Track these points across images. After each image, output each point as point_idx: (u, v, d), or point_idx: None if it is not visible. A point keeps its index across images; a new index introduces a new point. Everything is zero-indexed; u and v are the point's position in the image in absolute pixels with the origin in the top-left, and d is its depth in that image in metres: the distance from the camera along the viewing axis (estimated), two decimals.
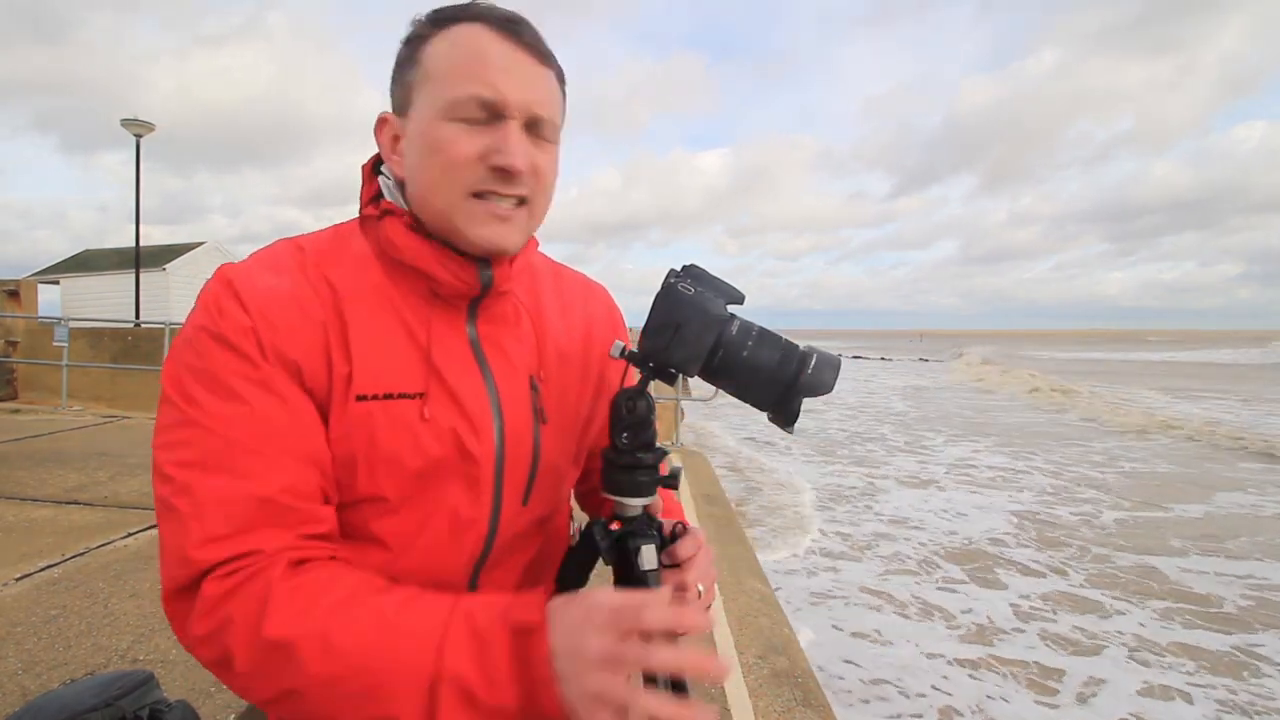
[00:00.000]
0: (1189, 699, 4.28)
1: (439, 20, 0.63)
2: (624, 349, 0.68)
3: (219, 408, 0.57)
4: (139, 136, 12.70)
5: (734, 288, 0.65)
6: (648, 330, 0.63)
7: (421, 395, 0.64)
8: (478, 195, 0.62)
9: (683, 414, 8.84)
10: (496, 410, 0.68)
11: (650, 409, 0.68)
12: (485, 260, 0.66)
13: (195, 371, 0.58)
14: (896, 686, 4.31)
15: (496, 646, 0.52)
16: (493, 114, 0.61)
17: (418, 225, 0.65)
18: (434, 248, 0.64)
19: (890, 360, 52.01)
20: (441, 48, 0.62)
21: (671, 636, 0.52)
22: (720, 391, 0.65)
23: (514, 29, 0.62)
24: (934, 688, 4.31)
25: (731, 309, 0.65)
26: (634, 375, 0.69)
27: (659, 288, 0.64)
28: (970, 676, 4.49)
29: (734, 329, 0.63)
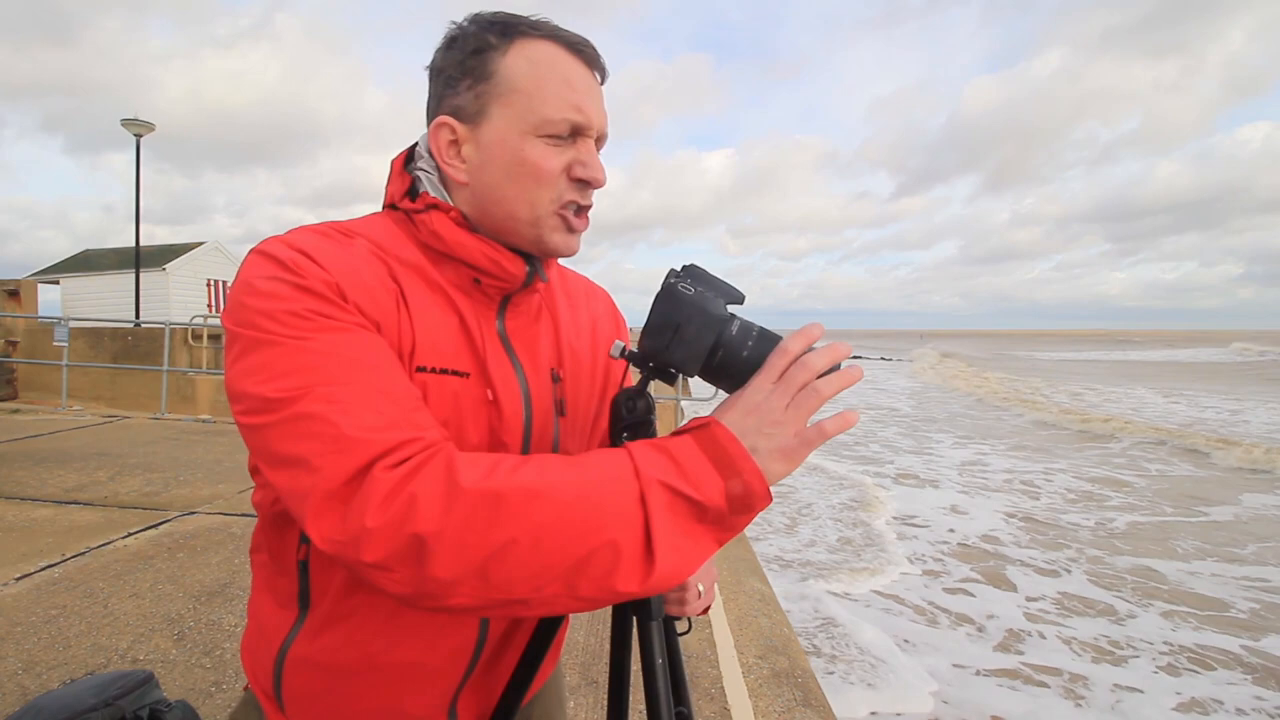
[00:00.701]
0: (1240, 711, 4.16)
1: (507, 32, 0.65)
2: (624, 349, 0.69)
3: (323, 336, 0.55)
4: (139, 136, 12.70)
5: (734, 288, 0.65)
6: (648, 330, 0.63)
7: (468, 376, 0.66)
8: (566, 207, 0.67)
9: (682, 414, 8.84)
10: (526, 402, 0.70)
11: (650, 409, 0.68)
12: (532, 255, 0.70)
13: (278, 313, 0.55)
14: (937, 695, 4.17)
15: (683, 446, 0.55)
16: (575, 133, 0.66)
17: (464, 221, 0.68)
18: (484, 243, 0.67)
19: (890, 360, 52.10)
20: (521, 65, 0.64)
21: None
22: (720, 392, 0.65)
23: (587, 53, 0.67)
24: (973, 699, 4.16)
25: (731, 309, 0.65)
26: (634, 375, 0.70)
27: (659, 288, 0.64)
28: (1004, 686, 4.34)
29: (734, 329, 0.63)
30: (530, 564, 0.50)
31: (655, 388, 0.69)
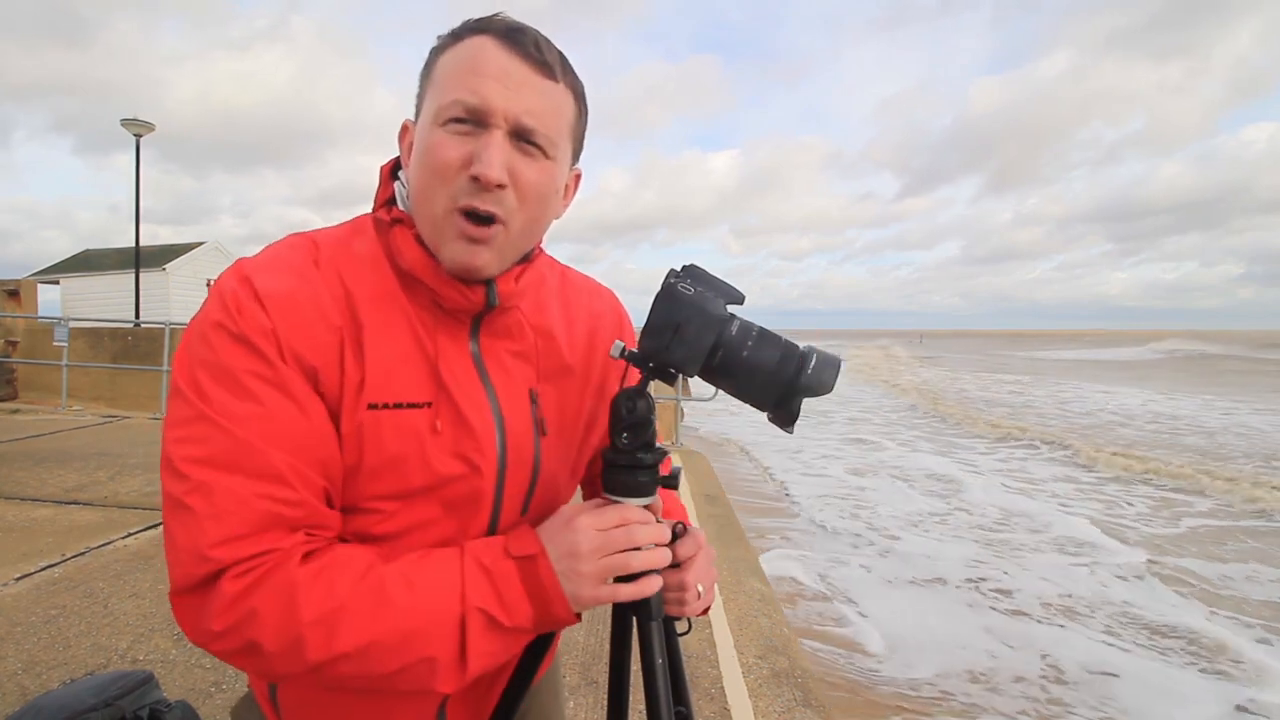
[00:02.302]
0: None
1: (458, 33, 0.64)
2: (624, 349, 0.68)
3: (234, 406, 0.56)
4: (139, 136, 12.70)
5: (734, 288, 0.65)
6: (648, 330, 0.63)
7: (430, 405, 0.64)
8: (461, 211, 0.61)
9: (682, 414, 8.84)
10: (499, 424, 0.68)
11: (650, 409, 0.68)
12: (489, 280, 0.65)
13: (210, 366, 0.57)
14: None
15: (507, 578, 0.62)
16: (478, 122, 0.60)
17: (421, 238, 0.65)
18: (437, 269, 0.64)
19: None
20: (448, 58, 0.63)
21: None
22: (720, 392, 0.65)
23: (515, 38, 0.62)
24: None
25: (731, 309, 0.65)
26: (634, 375, 0.70)
27: (659, 288, 0.64)
28: None
29: (734, 329, 0.63)
30: (358, 671, 0.57)
31: (655, 388, 0.69)
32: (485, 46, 0.62)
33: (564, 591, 0.62)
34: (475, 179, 0.59)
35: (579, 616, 0.64)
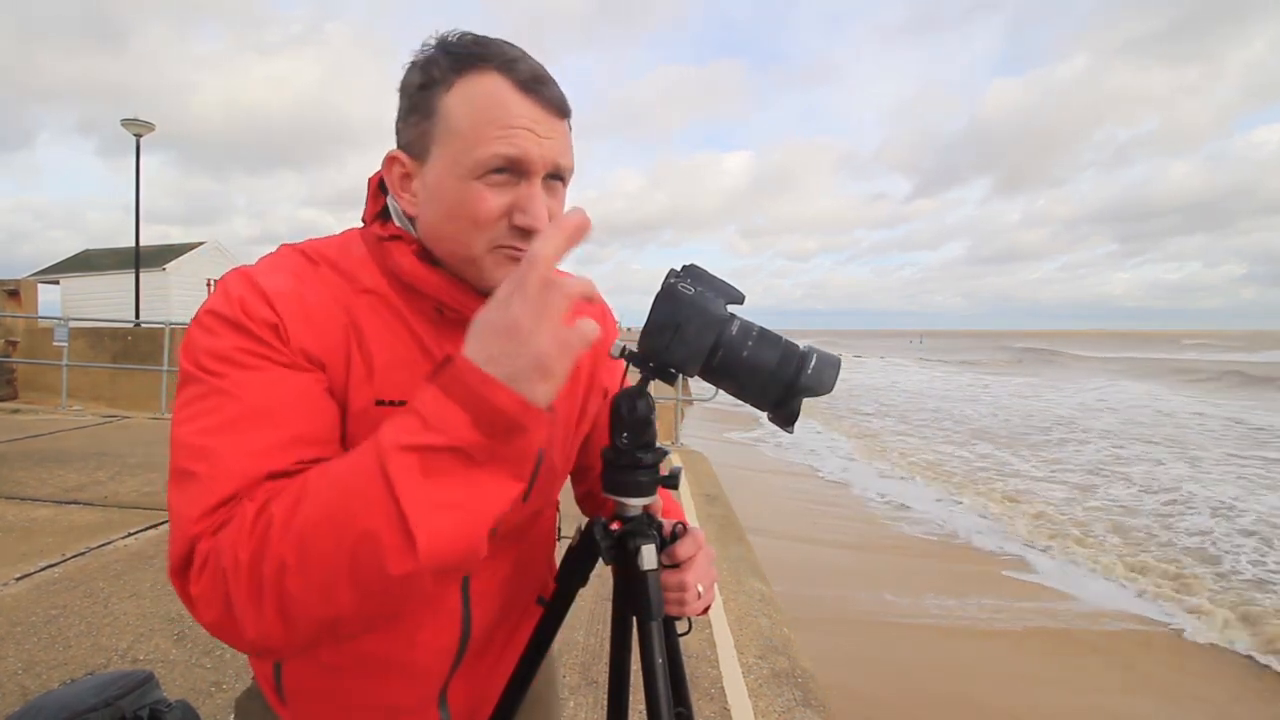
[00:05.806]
0: None
1: (458, 66, 0.62)
2: (624, 349, 0.68)
3: (243, 376, 0.57)
4: (139, 136, 12.70)
5: (734, 288, 0.65)
6: (648, 330, 0.63)
7: None
8: (497, 246, 0.64)
9: (683, 414, 8.82)
10: None
11: (650, 409, 0.68)
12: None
13: (214, 351, 0.58)
14: None
15: (427, 396, 0.50)
16: (516, 171, 0.62)
17: (425, 253, 0.67)
18: (444, 277, 0.66)
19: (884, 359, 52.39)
20: (461, 105, 0.62)
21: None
22: (721, 392, 0.65)
23: (537, 89, 0.63)
24: None
25: (731, 309, 0.65)
26: (634, 375, 0.70)
27: (659, 288, 0.64)
28: None
29: (734, 329, 0.63)
30: (307, 580, 0.48)
31: (655, 388, 0.69)
32: (508, 95, 0.61)
33: (488, 376, 0.48)
34: (523, 229, 0.62)
35: (529, 405, 0.49)
